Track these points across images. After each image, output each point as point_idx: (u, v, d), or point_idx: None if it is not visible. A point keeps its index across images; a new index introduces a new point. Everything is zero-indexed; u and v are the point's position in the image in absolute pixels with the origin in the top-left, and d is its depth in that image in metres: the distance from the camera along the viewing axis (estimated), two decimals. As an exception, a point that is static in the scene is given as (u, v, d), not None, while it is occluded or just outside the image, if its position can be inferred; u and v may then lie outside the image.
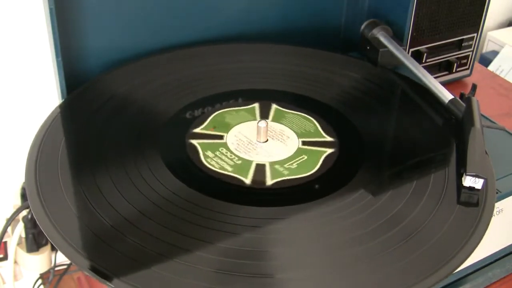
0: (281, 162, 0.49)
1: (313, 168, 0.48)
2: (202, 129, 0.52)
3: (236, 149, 0.50)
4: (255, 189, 0.46)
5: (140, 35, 0.61)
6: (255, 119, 0.54)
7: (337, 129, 0.53)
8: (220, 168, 0.48)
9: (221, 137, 0.52)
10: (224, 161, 0.48)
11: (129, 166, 0.47)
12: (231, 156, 0.49)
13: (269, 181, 0.47)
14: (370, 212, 0.44)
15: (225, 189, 0.46)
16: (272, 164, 0.49)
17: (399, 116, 0.58)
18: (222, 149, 0.50)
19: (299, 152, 0.50)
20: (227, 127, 0.53)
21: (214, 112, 0.54)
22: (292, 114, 0.55)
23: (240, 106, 0.56)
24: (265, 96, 0.57)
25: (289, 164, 0.48)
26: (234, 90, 0.58)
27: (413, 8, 0.63)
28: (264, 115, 0.55)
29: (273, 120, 0.54)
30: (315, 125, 0.53)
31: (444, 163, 0.49)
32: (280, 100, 0.56)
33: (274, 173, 0.47)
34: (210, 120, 0.53)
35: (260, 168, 0.48)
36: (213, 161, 0.48)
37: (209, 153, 0.49)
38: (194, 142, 0.51)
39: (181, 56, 0.62)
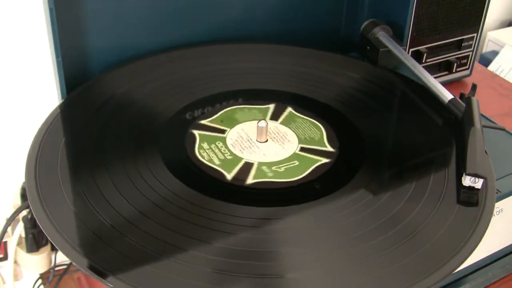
0: (270, 164, 0.49)
1: (299, 175, 0.48)
2: (209, 121, 0.53)
3: (232, 145, 0.50)
4: (233, 185, 0.46)
5: (140, 35, 0.61)
6: (264, 119, 0.54)
7: (342, 139, 0.52)
8: (208, 161, 0.48)
9: (223, 132, 0.52)
10: (215, 155, 0.49)
11: (129, 166, 0.47)
12: (224, 151, 0.50)
13: (250, 180, 0.47)
14: (369, 212, 0.44)
15: (205, 181, 0.46)
16: (260, 164, 0.49)
17: (399, 116, 0.58)
18: (219, 143, 0.50)
19: (293, 157, 0.50)
20: (234, 123, 0.53)
21: (228, 107, 0.55)
22: (303, 119, 0.54)
23: (255, 105, 0.56)
24: (280, 98, 0.57)
25: (277, 167, 0.48)
26: (235, 90, 0.58)
27: (413, 8, 0.63)
28: (275, 117, 0.55)
29: (281, 123, 0.54)
30: (321, 133, 0.53)
31: (444, 163, 0.49)
32: (293, 104, 0.56)
33: (258, 174, 0.47)
34: (221, 114, 0.54)
35: (247, 166, 0.48)
36: (205, 153, 0.49)
37: (205, 145, 0.50)
38: (196, 132, 0.51)
39: (181, 56, 0.62)
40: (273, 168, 0.48)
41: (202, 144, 0.50)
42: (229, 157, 0.49)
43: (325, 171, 0.48)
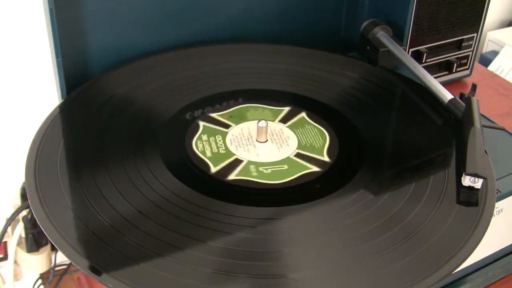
0: (259, 164, 0.49)
1: (283, 179, 0.47)
2: (218, 115, 0.53)
3: (230, 141, 0.51)
4: (214, 179, 0.46)
5: (140, 35, 0.61)
6: (272, 120, 0.54)
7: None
8: (201, 152, 0.49)
9: (228, 126, 0.52)
10: (210, 147, 0.49)
11: (129, 166, 0.47)
12: (220, 145, 0.50)
13: (231, 176, 0.47)
14: (369, 212, 0.44)
15: (189, 170, 0.47)
16: (249, 163, 0.49)
17: (399, 116, 0.58)
18: (218, 137, 0.51)
19: (284, 161, 0.50)
20: (241, 120, 0.53)
21: (242, 104, 0.55)
22: (312, 126, 0.54)
23: (270, 105, 0.56)
24: (296, 102, 0.57)
25: (265, 168, 0.48)
26: (235, 90, 0.58)
27: (413, 8, 0.63)
28: (285, 120, 0.54)
29: (288, 126, 0.54)
30: (324, 143, 0.52)
31: (444, 163, 0.49)
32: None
33: (243, 171, 0.48)
34: (233, 110, 0.55)
35: (236, 163, 0.48)
36: (201, 144, 0.49)
37: (204, 137, 0.50)
38: (201, 123, 0.52)
39: (181, 56, 0.62)
40: (260, 168, 0.48)
41: (202, 135, 0.50)
42: (222, 152, 0.49)
43: (310, 180, 0.47)
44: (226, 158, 0.49)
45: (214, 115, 0.54)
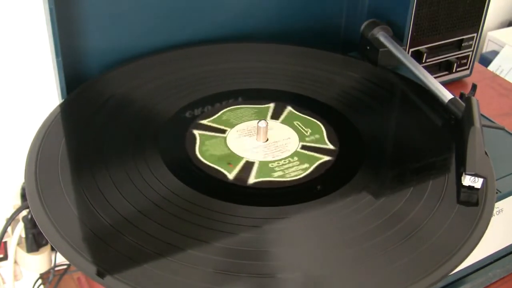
0: (272, 163, 0.49)
1: (302, 174, 0.48)
2: (209, 121, 0.53)
3: (232, 145, 0.50)
4: (235, 185, 0.46)
5: (139, 35, 0.61)
6: (264, 119, 0.54)
7: (342, 138, 0.52)
8: (209, 160, 0.48)
9: (224, 131, 0.52)
10: (216, 154, 0.49)
11: (129, 166, 0.47)
12: (225, 150, 0.50)
13: (251, 180, 0.47)
14: (370, 212, 0.44)
15: (206, 180, 0.46)
16: (262, 163, 0.49)
17: (399, 116, 0.58)
18: (219, 143, 0.50)
19: (294, 155, 0.50)
20: (234, 123, 0.53)
21: (227, 107, 0.55)
22: (303, 118, 0.54)
23: (255, 105, 0.56)
24: (280, 98, 0.57)
25: (279, 166, 0.48)
26: (235, 90, 0.58)
27: (413, 8, 0.63)
28: (276, 116, 0.55)
29: (282, 122, 0.54)
30: (321, 131, 0.53)
31: (444, 163, 0.49)
32: (293, 103, 0.56)
33: (260, 173, 0.47)
34: (221, 113, 0.54)
35: (248, 166, 0.48)
36: (206, 152, 0.49)
37: (206, 145, 0.50)
38: (196, 132, 0.51)
39: (180, 56, 0.62)
40: (274, 167, 0.48)
41: (203, 144, 0.50)
42: (229, 157, 0.49)
43: (328, 168, 0.48)
44: (237, 162, 0.48)
45: (205, 121, 0.53)
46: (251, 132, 0.52)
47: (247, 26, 0.67)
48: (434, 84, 0.57)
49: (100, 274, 0.38)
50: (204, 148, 0.49)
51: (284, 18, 0.68)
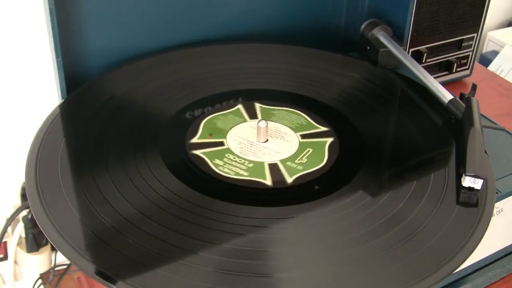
0: (291, 159, 0.49)
1: (323, 159, 0.49)
2: (198, 138, 0.51)
3: (241, 153, 0.50)
4: (278, 189, 0.46)
5: (140, 35, 0.61)
6: (245, 121, 0.54)
7: (327, 119, 0.54)
8: (235, 174, 0.47)
9: (221, 144, 0.51)
10: (237, 167, 0.48)
11: (129, 166, 0.47)
12: (240, 160, 0.49)
13: (289, 179, 0.47)
14: (370, 212, 0.44)
15: (248, 193, 0.46)
16: (283, 162, 0.49)
17: (399, 116, 0.58)
18: (228, 155, 0.49)
19: (302, 146, 0.50)
20: (223, 132, 0.52)
21: (203, 119, 0.54)
22: (278, 110, 0.55)
23: (224, 110, 0.55)
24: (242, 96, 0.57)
25: (299, 159, 0.49)
26: (235, 90, 0.58)
27: (413, 8, 0.63)
28: (252, 115, 0.54)
29: (263, 119, 0.54)
30: (305, 118, 0.54)
31: (444, 163, 0.49)
32: (262, 98, 0.57)
33: (290, 171, 0.48)
34: (203, 127, 0.53)
35: (274, 167, 0.48)
36: (226, 168, 0.48)
37: (218, 161, 0.48)
38: (198, 152, 0.49)
39: (181, 56, 0.62)
40: (297, 161, 0.49)
41: (214, 162, 0.48)
42: (250, 165, 0.48)
43: (340, 148, 0.50)
44: (261, 167, 0.48)
45: (195, 140, 0.51)
46: (247, 136, 0.52)
47: (247, 26, 0.67)
48: (434, 84, 0.57)
49: (100, 274, 0.38)
50: (220, 165, 0.48)
51: (284, 18, 0.68)
